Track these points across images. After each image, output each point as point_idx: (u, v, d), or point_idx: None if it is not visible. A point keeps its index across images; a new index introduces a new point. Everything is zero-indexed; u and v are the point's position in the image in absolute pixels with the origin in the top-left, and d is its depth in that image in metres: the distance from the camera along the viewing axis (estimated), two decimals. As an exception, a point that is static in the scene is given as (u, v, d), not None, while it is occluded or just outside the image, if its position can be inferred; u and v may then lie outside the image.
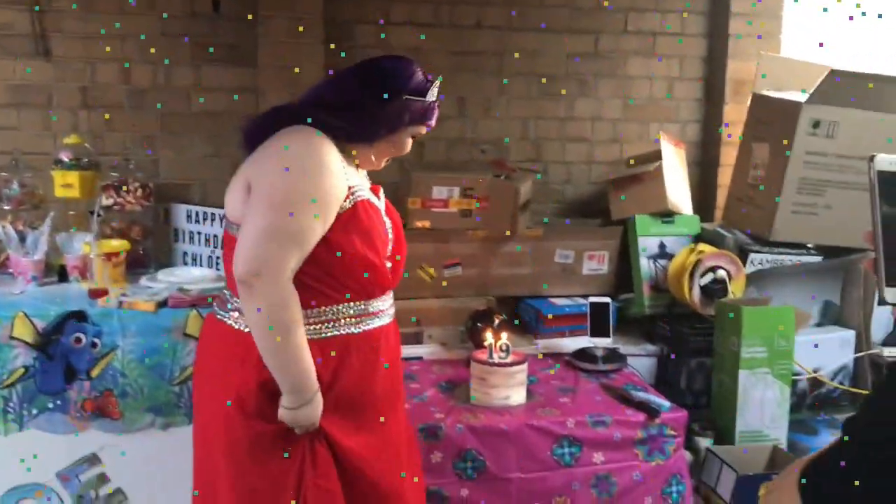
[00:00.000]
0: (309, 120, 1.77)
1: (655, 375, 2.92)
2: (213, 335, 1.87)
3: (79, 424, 2.37)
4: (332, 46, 3.11)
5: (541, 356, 2.81)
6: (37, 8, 2.95)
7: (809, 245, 3.00)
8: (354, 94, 1.83)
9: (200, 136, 3.17)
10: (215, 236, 2.84)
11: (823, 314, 3.01)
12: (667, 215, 3.05)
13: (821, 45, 3.14)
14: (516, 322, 3.03)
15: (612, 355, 2.77)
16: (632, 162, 3.23)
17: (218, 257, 2.84)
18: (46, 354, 2.34)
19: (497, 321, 2.74)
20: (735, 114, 3.37)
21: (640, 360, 2.89)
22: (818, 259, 2.95)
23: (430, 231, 2.95)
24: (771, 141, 3.02)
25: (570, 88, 3.42)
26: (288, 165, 1.70)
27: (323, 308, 1.77)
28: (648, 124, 3.49)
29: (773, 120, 3.04)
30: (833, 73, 2.77)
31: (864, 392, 2.85)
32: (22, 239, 2.62)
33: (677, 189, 3.11)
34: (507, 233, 2.97)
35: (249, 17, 2.99)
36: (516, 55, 3.31)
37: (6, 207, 2.77)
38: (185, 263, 2.91)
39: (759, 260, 2.92)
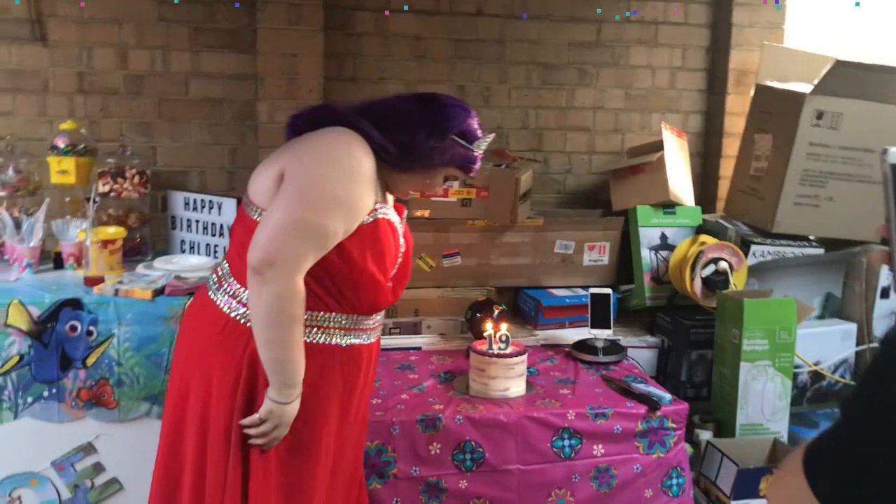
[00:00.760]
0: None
1: (656, 367, 2.90)
2: (201, 314, 1.86)
3: (74, 413, 2.35)
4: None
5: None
6: (33, -8, 2.92)
7: (811, 237, 2.98)
8: (403, 118, 1.83)
9: (198, 123, 3.14)
10: (213, 224, 2.81)
11: (825, 307, 2.99)
12: (668, 206, 3.03)
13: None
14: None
15: (613, 347, 2.75)
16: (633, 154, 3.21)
17: (216, 245, 2.81)
18: (41, 342, 2.31)
19: (497, 312, 2.72)
20: (738, 104, 3.34)
21: (641, 351, 2.88)
22: (820, 251, 2.93)
23: (429, 220, 2.93)
24: (774, 132, 3.00)
25: (571, 78, 3.39)
26: (327, 164, 1.70)
27: (318, 313, 1.77)
28: (650, 114, 3.46)
29: (776, 111, 3.02)
30: (838, 63, 2.75)
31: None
32: (17, 225, 2.59)
33: (679, 180, 3.09)
34: (509, 222, 2.95)
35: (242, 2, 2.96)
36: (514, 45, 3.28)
37: (1, 194, 2.73)
38: (183, 251, 2.88)
39: (761, 252, 2.90)
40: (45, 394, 2.33)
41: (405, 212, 2.00)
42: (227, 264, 1.84)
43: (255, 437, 1.72)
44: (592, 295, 2.79)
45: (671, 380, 2.82)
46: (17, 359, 2.30)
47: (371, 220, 1.76)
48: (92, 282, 2.45)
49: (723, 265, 2.76)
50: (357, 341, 1.83)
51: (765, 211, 2.97)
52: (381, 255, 1.78)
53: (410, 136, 1.80)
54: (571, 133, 3.43)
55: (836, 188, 2.90)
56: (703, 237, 2.90)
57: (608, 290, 2.81)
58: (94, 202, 2.56)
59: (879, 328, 2.91)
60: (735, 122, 3.34)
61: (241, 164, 3.16)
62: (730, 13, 3.33)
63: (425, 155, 1.83)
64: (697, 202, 3.16)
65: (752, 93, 3.24)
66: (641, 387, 2.47)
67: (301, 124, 1.84)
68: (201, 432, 1.79)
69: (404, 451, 2.22)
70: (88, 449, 2.37)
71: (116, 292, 2.38)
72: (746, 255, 2.85)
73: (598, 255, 3.09)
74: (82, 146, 2.77)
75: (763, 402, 2.62)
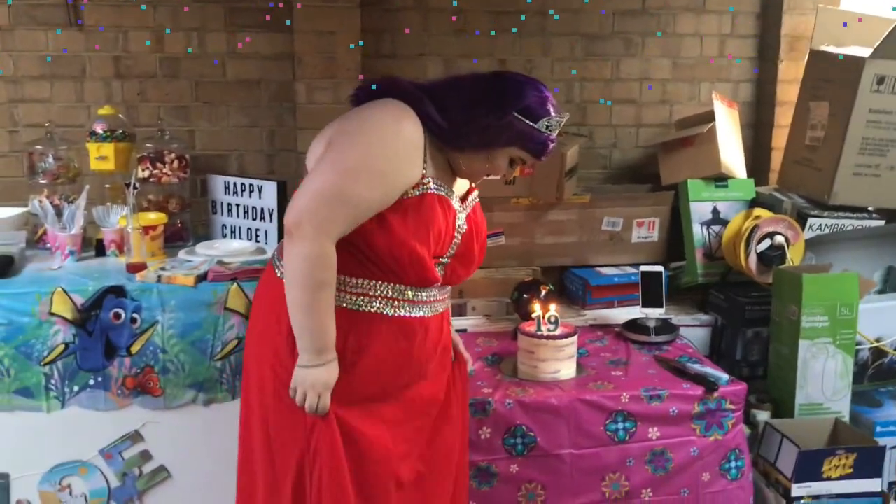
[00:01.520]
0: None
1: (709, 346, 2.82)
2: (265, 282, 1.89)
3: (120, 401, 2.33)
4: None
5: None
6: (67, -24, 2.89)
7: (871, 208, 2.86)
8: (461, 94, 1.77)
9: (236, 105, 3.10)
10: (253, 208, 2.77)
11: (886, 280, 2.87)
12: (720, 179, 2.92)
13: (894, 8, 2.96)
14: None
15: (665, 326, 2.67)
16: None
17: (257, 229, 2.78)
18: (86, 331, 2.29)
19: (544, 292, 2.64)
20: (791, 72, 3.21)
21: (694, 330, 2.79)
22: (881, 223, 2.81)
23: (472, 199, 2.86)
24: (831, 99, 2.88)
25: (616, 48, 3.28)
26: (368, 133, 1.68)
27: (363, 280, 1.75)
28: (699, 84, 3.35)
29: (832, 77, 2.89)
30: (899, 25, 2.62)
31: (930, 362, 2.73)
32: (58, 213, 2.58)
33: (731, 152, 2.98)
34: (554, 200, 2.87)
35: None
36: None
37: (42, 181, 2.73)
38: (224, 236, 2.85)
39: (819, 225, 2.79)
40: (91, 382, 2.31)
41: (475, 193, 1.94)
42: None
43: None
44: (643, 273, 2.70)
45: (725, 359, 2.73)
46: (62, 348, 2.29)
47: (418, 193, 1.71)
48: (134, 268, 2.43)
49: (779, 239, 2.66)
50: (406, 314, 1.79)
51: (821, 182, 2.86)
52: (426, 231, 1.73)
53: (466, 113, 1.74)
54: (617, 106, 3.33)
55: (897, 156, 2.78)
56: (758, 210, 2.80)
57: (660, 268, 2.72)
58: (135, 188, 2.54)
59: (944, 302, 2.79)
60: (788, 90, 3.21)
61: (280, 146, 3.12)
62: (781, -23, 3.19)
63: (479, 132, 1.75)
64: (750, 174, 3.06)
65: (805, 59, 3.11)
66: (697, 367, 2.38)
67: (362, 96, 1.80)
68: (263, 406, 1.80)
69: (454, 437, 2.17)
70: (135, 437, 2.36)
71: (159, 279, 2.36)
72: (803, 228, 2.75)
73: (647, 231, 3.00)
74: (120, 131, 2.74)
75: (823, 380, 2.52)
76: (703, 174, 2.92)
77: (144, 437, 2.36)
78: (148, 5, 2.96)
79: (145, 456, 2.37)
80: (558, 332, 2.33)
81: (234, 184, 2.82)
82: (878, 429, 2.54)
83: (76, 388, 2.31)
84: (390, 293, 1.77)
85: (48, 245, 2.60)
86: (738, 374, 2.62)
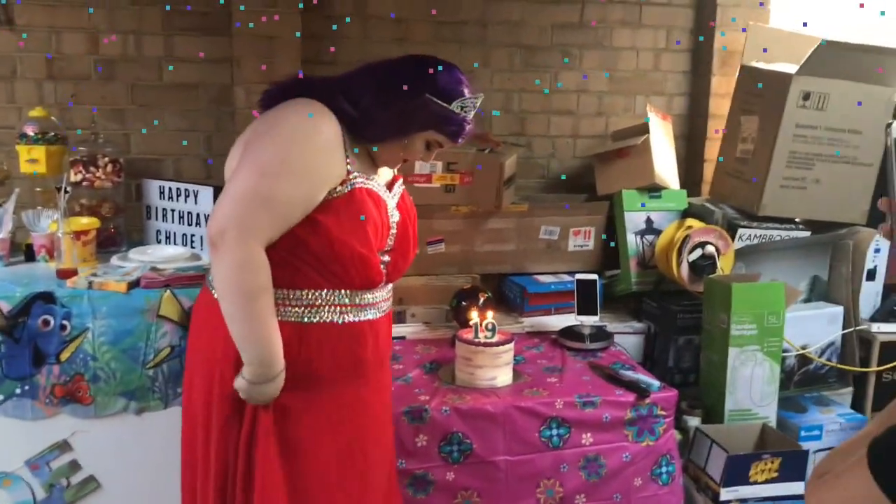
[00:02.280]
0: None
1: (642, 353, 2.87)
2: (203, 305, 1.85)
3: (48, 410, 2.27)
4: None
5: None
6: (-2, -26, 2.82)
7: (798, 220, 2.95)
8: (370, 82, 1.76)
9: (173, 108, 3.05)
10: (189, 213, 2.74)
11: (811, 290, 2.97)
12: (654, 190, 2.99)
13: (805, 24, 3.07)
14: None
15: (600, 333, 2.71)
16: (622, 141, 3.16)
17: (192, 235, 2.74)
18: (13, 338, 2.23)
19: (482, 299, 2.67)
20: (723, 86, 3.30)
21: (628, 337, 2.84)
22: (807, 234, 2.90)
23: (412, 207, 2.87)
24: (760, 113, 2.96)
25: (555, 60, 3.33)
26: (281, 133, 1.66)
27: (305, 291, 1.72)
28: (634, 97, 3.42)
29: (762, 92, 2.98)
30: (823, 43, 2.71)
31: (851, 368, 2.83)
32: (-14, 217, 2.51)
33: (664, 163, 3.05)
34: (493, 208, 2.89)
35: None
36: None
37: (-31, 184, 2.65)
38: (159, 241, 2.80)
39: (748, 235, 2.87)
40: (18, 391, 2.25)
41: (399, 180, 1.93)
42: None
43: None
44: (579, 281, 2.75)
45: (658, 366, 2.79)
46: (-13, 355, 2.23)
47: (346, 189, 1.70)
48: (65, 274, 2.37)
49: (710, 249, 2.73)
50: (355, 318, 1.78)
51: (751, 193, 2.94)
52: (362, 227, 1.71)
53: (380, 101, 1.73)
54: (555, 117, 3.38)
55: (822, 170, 2.88)
56: (690, 221, 2.87)
57: (594, 276, 2.77)
58: (66, 192, 2.48)
59: (865, 310, 2.90)
60: (720, 103, 3.30)
61: (218, 150, 3.08)
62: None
63: (394, 119, 1.74)
64: (683, 185, 3.13)
65: (737, 74, 3.20)
66: (630, 374, 2.43)
67: (273, 97, 1.77)
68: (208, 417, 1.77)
69: (390, 444, 2.17)
70: (64, 447, 2.30)
71: (90, 285, 2.30)
72: (733, 238, 2.82)
73: (584, 240, 3.05)
74: (52, 134, 2.68)
75: (752, 387, 2.59)
76: (637, 185, 2.98)
77: (73, 446, 2.30)
78: (82, 6, 2.90)
79: (74, 466, 2.32)
80: (495, 339, 2.35)
81: (170, 188, 2.78)
82: (803, 433, 2.63)
83: (2, 397, 2.24)
84: (336, 300, 1.74)
85: (-26, 250, 2.52)
86: (671, 380, 2.67)
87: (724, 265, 2.74)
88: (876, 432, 0.90)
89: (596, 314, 2.71)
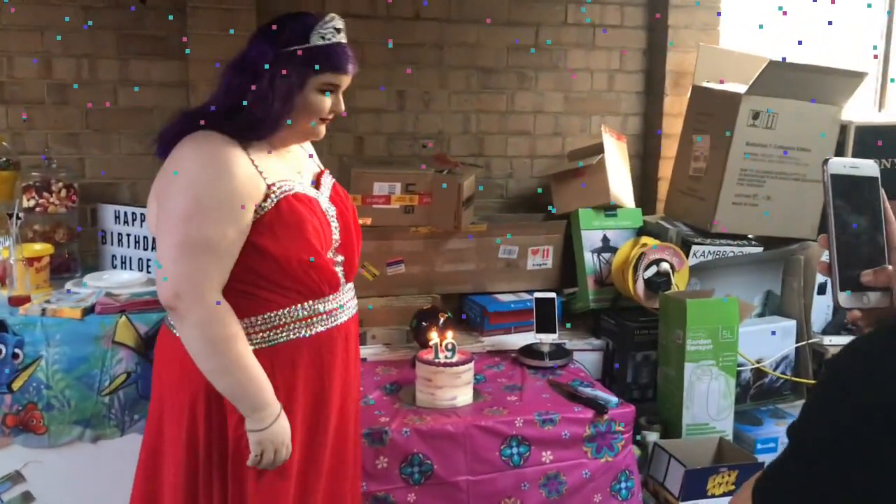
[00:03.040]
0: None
1: (601, 370, 2.90)
2: (163, 345, 1.80)
3: (0, 440, 2.23)
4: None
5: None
6: (-53, -2, 2.79)
7: (750, 236, 3.01)
8: (237, 82, 1.70)
9: (128, 132, 3.02)
10: (145, 238, 2.72)
11: (765, 304, 3.03)
12: (610, 209, 3.03)
13: (760, 26, 3.14)
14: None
15: (559, 351, 2.74)
16: (580, 164, 3.19)
17: (149, 259, 2.72)
18: (-37, 367, 2.19)
19: (442, 320, 2.68)
20: (675, 106, 3.37)
21: (586, 354, 2.87)
22: (759, 250, 2.96)
23: (371, 228, 2.87)
24: (711, 132, 3.03)
25: (511, 82, 3.37)
26: (185, 177, 1.62)
27: (270, 314, 1.71)
28: (590, 117, 3.47)
29: (713, 111, 3.05)
30: (771, 64, 2.79)
31: (806, 381, 2.88)
32: (-65, 244, 2.47)
33: (620, 182, 3.09)
34: (452, 228, 2.91)
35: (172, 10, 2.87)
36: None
37: (-83, 211, 2.60)
38: (114, 267, 2.78)
39: (702, 252, 2.92)
40: (-31, 421, 2.21)
41: (326, 173, 1.89)
42: None
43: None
44: (537, 299, 2.77)
45: (617, 382, 2.82)
46: (-64, 385, 2.18)
47: (271, 204, 1.66)
48: (17, 301, 2.34)
49: (664, 266, 2.77)
50: (323, 328, 1.76)
51: (704, 211, 3.00)
52: (300, 232, 1.68)
53: (252, 95, 1.66)
54: (513, 137, 3.42)
55: (773, 187, 2.94)
56: (645, 239, 2.91)
57: (552, 294, 2.79)
58: (18, 218, 2.44)
59: (817, 323, 2.96)
60: (673, 123, 3.37)
61: (175, 174, 3.06)
62: (666, 15, 3.35)
63: (274, 97, 1.66)
64: (638, 204, 3.17)
65: (689, 94, 3.27)
66: (588, 390, 2.45)
67: (167, 142, 1.71)
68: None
69: (350, 467, 2.16)
70: (16, 478, 2.25)
71: (44, 312, 2.27)
72: (687, 255, 2.87)
73: (542, 258, 3.08)
74: (4, 159, 2.65)
75: (708, 401, 2.63)
76: (593, 203, 3.02)
77: (26, 477, 2.26)
78: (35, 30, 2.88)
79: (27, 497, 2.27)
80: (455, 359, 2.36)
81: (125, 213, 2.76)
82: (759, 446, 2.67)
83: (-48, 428, 2.20)
84: (301, 314, 1.73)
85: (-77, 278, 2.48)
86: (629, 396, 2.70)
87: (679, 282, 2.78)
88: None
89: (555, 332, 2.74)
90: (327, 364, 1.78)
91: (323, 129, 1.81)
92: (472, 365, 2.38)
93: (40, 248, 2.54)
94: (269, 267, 1.67)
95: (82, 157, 3.00)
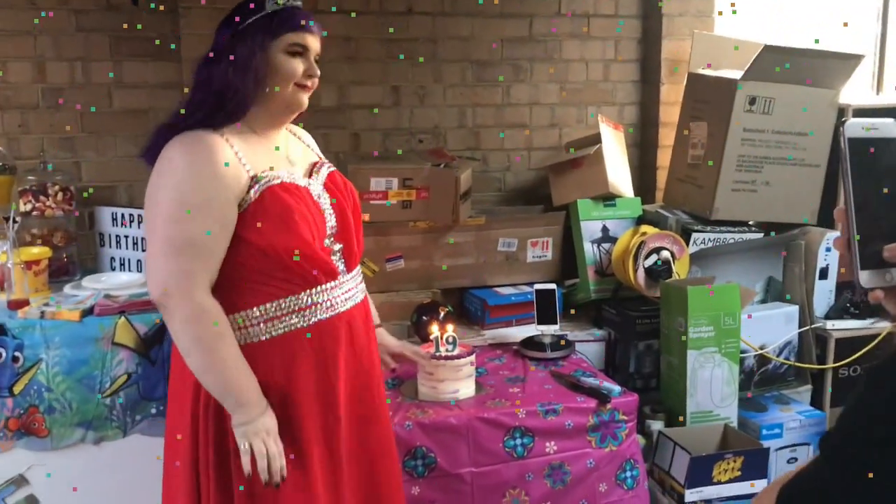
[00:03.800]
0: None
1: (604, 360, 2.89)
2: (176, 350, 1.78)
3: (2, 444, 2.23)
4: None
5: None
6: (-61, 4, 2.78)
7: (750, 222, 3.00)
8: (200, 76, 1.72)
9: (124, 135, 3.02)
10: (143, 239, 2.71)
11: (766, 290, 3.02)
12: (608, 199, 3.02)
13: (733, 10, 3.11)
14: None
15: (560, 342, 2.73)
16: (572, 150, 3.19)
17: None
18: (-37, 372, 2.19)
19: (442, 314, 2.67)
20: (672, 94, 3.36)
21: (588, 345, 2.86)
22: (759, 236, 2.95)
23: (370, 224, 2.85)
24: (708, 119, 3.02)
25: (506, 74, 3.36)
26: (167, 178, 1.64)
27: (266, 306, 1.69)
28: (586, 108, 3.46)
29: (709, 98, 3.04)
30: (766, 49, 2.78)
31: (809, 366, 2.87)
32: (-67, 250, 2.46)
33: (618, 172, 3.08)
34: (451, 223, 2.90)
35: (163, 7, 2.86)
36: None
37: (-86, 217, 2.60)
38: (113, 269, 2.78)
39: (702, 239, 2.91)
40: (-30, 426, 2.21)
41: (318, 166, 1.86)
42: None
43: (262, 473, 1.65)
44: (537, 291, 2.76)
45: (620, 372, 2.81)
46: (-63, 390, 2.18)
47: (255, 196, 1.65)
48: (16, 305, 2.33)
49: (665, 254, 2.76)
50: (323, 316, 1.74)
51: (703, 198, 2.99)
52: (286, 222, 1.66)
53: (230, 79, 1.67)
54: (509, 130, 3.41)
55: (771, 172, 2.93)
56: (644, 228, 2.90)
57: (552, 286, 2.78)
58: (15, 222, 2.44)
59: (820, 308, 2.95)
60: (670, 111, 3.35)
61: (172, 175, 3.05)
62: (659, 3, 3.34)
63: (245, 74, 1.66)
64: (636, 193, 3.16)
65: (685, 82, 3.26)
66: (590, 380, 2.45)
67: (151, 154, 1.72)
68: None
69: (354, 462, 2.16)
70: (20, 481, 2.25)
71: (42, 315, 2.27)
72: (687, 243, 2.86)
73: (542, 251, 3.07)
74: (0, 164, 2.64)
75: (712, 388, 2.62)
76: (592, 194, 3.01)
77: (30, 480, 2.26)
78: (27, 35, 2.87)
79: (31, 501, 2.27)
80: (456, 352, 2.35)
81: (123, 215, 2.75)
82: (764, 432, 2.67)
83: (-47, 433, 2.20)
84: (298, 304, 1.71)
85: (-79, 284, 2.47)
86: (633, 385, 2.70)
87: (680, 270, 2.77)
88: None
89: (556, 323, 2.73)
90: (331, 352, 1.75)
91: (304, 97, 1.77)
92: (472, 357, 2.38)
93: (38, 251, 2.54)
94: (258, 259, 1.66)
95: (78, 160, 2.99)
